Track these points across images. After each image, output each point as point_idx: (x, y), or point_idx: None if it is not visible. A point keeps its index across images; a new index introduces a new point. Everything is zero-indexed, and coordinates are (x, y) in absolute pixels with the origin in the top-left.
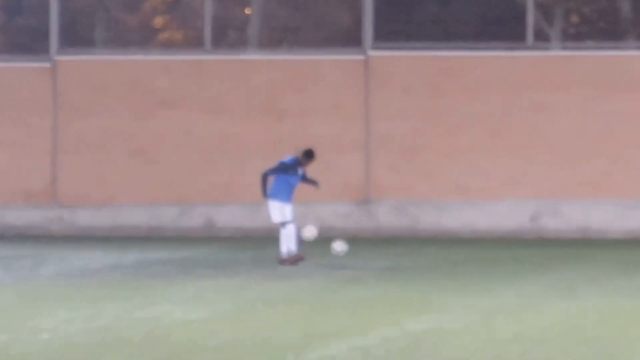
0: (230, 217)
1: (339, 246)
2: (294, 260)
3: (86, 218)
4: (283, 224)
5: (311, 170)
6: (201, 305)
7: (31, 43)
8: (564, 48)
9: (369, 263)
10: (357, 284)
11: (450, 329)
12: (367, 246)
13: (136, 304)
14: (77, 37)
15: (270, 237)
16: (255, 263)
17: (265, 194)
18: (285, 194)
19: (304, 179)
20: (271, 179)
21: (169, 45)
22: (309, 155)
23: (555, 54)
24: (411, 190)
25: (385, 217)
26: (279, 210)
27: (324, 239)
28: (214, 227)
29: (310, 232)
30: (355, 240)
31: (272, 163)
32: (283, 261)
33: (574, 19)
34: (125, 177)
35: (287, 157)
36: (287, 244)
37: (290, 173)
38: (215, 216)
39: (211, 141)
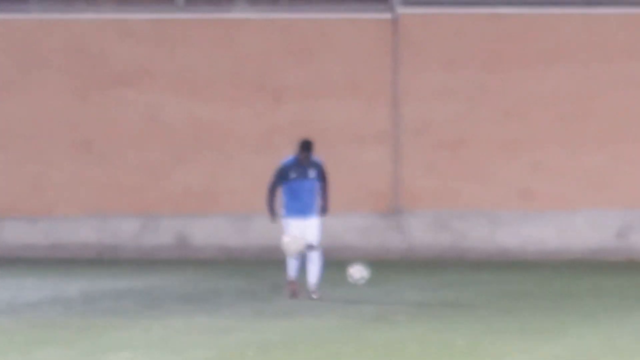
0: (209, 232)
1: (357, 272)
2: (290, 290)
3: (15, 234)
4: (310, 246)
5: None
6: (171, 353)
7: None
8: None
9: (398, 295)
10: (383, 324)
11: None
12: (396, 272)
13: (83, 350)
14: None
15: (263, 259)
16: (243, 295)
17: (271, 213)
18: (300, 205)
19: (321, 180)
20: (279, 192)
21: (127, 1)
22: (302, 147)
23: None
24: (454, 197)
25: (420, 232)
26: (300, 230)
27: (338, 263)
28: (187, 245)
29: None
30: (380, 263)
31: (266, 161)
32: (312, 294)
33: None
34: (67, 179)
35: (287, 158)
36: (316, 271)
37: (296, 177)
38: (189, 231)
39: (184, 130)
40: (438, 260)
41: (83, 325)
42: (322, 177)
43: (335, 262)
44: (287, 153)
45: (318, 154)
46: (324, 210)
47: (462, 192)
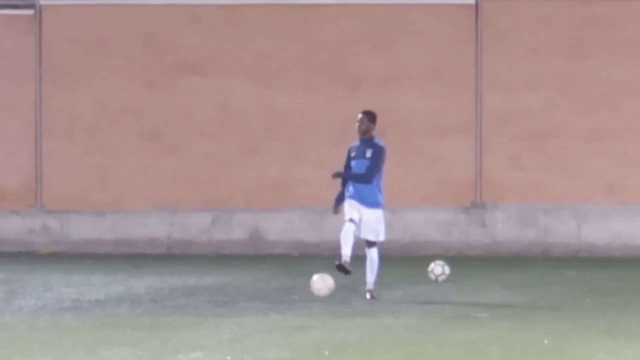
0: (283, 227)
1: (438, 268)
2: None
3: (81, 228)
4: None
5: (399, 161)
6: (243, 353)
7: None
8: None
9: (480, 292)
10: (464, 323)
11: None
12: (479, 268)
13: (152, 350)
14: None
15: (339, 255)
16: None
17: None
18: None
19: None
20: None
21: None
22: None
23: None
24: (540, 191)
25: (504, 227)
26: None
27: (418, 259)
28: (261, 240)
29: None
30: (462, 260)
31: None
32: (366, 293)
33: None
34: (134, 170)
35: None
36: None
37: (354, 157)
38: (262, 226)
39: (257, 120)
40: (522, 256)
41: (152, 324)
42: (375, 157)
43: (415, 258)
44: None
45: (397, 145)
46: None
47: (547, 185)
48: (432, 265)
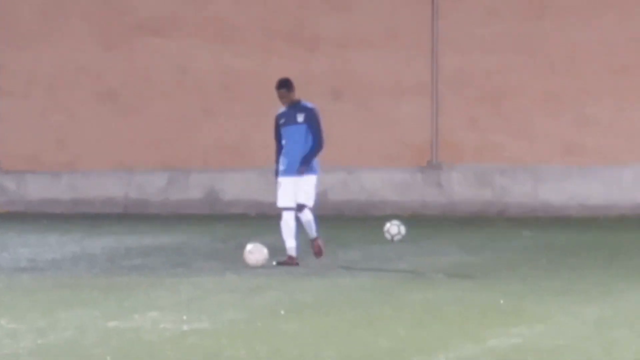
0: (240, 187)
1: (394, 229)
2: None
3: (38, 188)
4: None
5: (356, 121)
6: (200, 313)
7: None
8: None
9: (436, 253)
10: (421, 284)
11: (550, 346)
12: (436, 229)
13: (108, 310)
14: None
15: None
16: (275, 252)
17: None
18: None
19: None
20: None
21: None
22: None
23: None
24: (496, 152)
25: (460, 188)
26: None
27: (374, 219)
28: (217, 201)
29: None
30: (418, 220)
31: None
32: (287, 261)
33: None
34: (91, 131)
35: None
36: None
37: (284, 123)
38: (219, 186)
39: (214, 81)
40: (478, 216)
41: (108, 284)
42: (310, 121)
43: (372, 218)
44: (322, 104)
45: (354, 106)
46: (301, 162)
47: (504, 146)
48: (388, 225)
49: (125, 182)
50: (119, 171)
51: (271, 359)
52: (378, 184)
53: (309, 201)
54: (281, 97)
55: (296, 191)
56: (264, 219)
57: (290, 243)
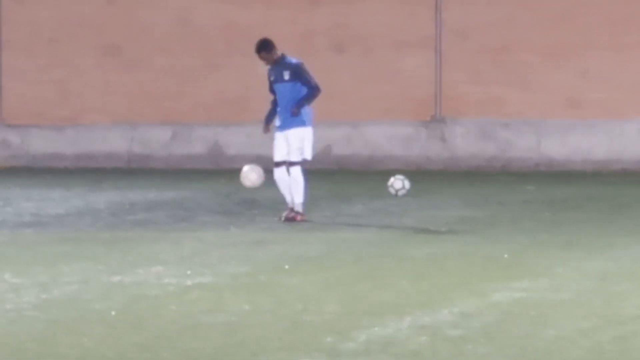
0: (243, 141)
1: (397, 183)
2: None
3: (41, 142)
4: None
5: (359, 75)
6: (203, 267)
7: None
8: None
9: (440, 208)
10: (424, 238)
11: (553, 300)
12: (438, 183)
13: (112, 265)
14: None
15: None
16: (279, 206)
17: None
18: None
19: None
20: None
21: None
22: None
23: None
24: (499, 105)
25: (463, 142)
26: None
27: (377, 173)
28: (221, 155)
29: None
30: (421, 174)
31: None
32: (294, 217)
33: None
34: (94, 85)
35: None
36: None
37: (273, 81)
38: (222, 140)
39: (217, 35)
40: (482, 170)
41: (112, 239)
42: (296, 77)
43: (375, 172)
44: (325, 58)
45: (357, 59)
46: (295, 104)
47: (507, 99)
48: (391, 180)
49: (128, 137)
50: (122, 125)
51: (274, 312)
52: (381, 138)
53: (298, 157)
54: (263, 60)
55: (288, 147)
56: (267, 173)
57: (289, 198)
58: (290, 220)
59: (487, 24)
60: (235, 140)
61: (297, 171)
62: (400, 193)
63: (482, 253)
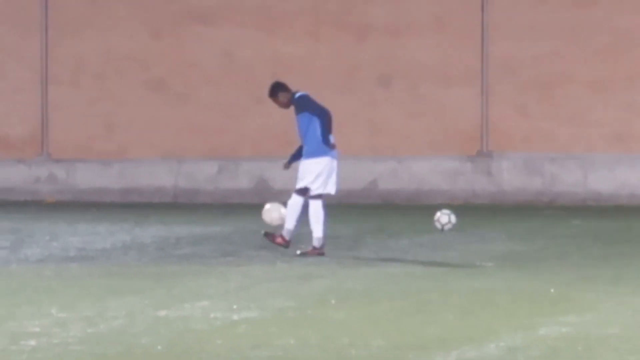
0: (289, 175)
1: (444, 218)
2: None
3: (87, 177)
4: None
5: (405, 109)
6: (249, 301)
7: None
8: None
9: (486, 242)
10: (470, 273)
11: (599, 335)
12: (484, 218)
13: (158, 299)
14: None
15: (346, 203)
16: (327, 240)
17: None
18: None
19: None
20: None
21: None
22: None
23: None
24: (546, 139)
25: (510, 176)
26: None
27: (423, 208)
28: (267, 189)
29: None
30: (467, 209)
31: (348, 100)
32: (313, 251)
33: None
34: (140, 119)
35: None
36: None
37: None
38: (268, 175)
39: (262, 69)
40: (528, 205)
41: (158, 273)
42: (301, 109)
43: (421, 207)
44: (370, 92)
45: (403, 94)
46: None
47: (553, 134)
48: (438, 214)
49: (174, 171)
50: (168, 160)
51: (321, 347)
52: (427, 172)
53: (298, 184)
54: (277, 104)
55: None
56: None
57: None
58: (304, 254)
59: (533, 58)
60: (281, 174)
61: (313, 204)
62: (446, 228)
63: (528, 287)
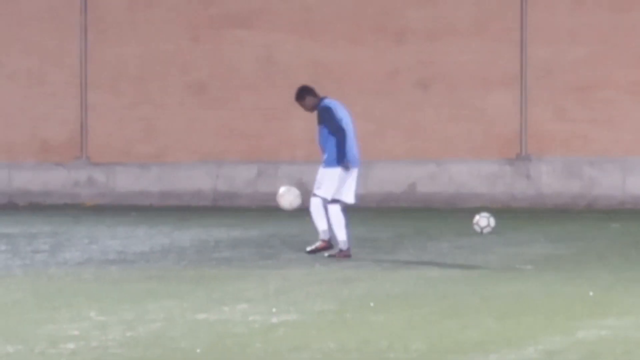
0: None
1: (483, 221)
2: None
3: (126, 180)
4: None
5: (444, 113)
6: (288, 305)
7: None
8: None
9: (525, 245)
10: (509, 276)
11: (639, 338)
12: (523, 221)
13: (197, 302)
14: None
15: (384, 207)
16: (364, 244)
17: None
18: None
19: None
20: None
21: None
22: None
23: None
24: (585, 143)
25: (549, 179)
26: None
27: (462, 211)
28: (306, 193)
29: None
30: (506, 212)
31: (387, 104)
32: (340, 253)
33: None
34: (179, 123)
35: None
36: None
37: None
38: (307, 178)
39: (301, 72)
40: (567, 208)
41: (197, 276)
42: (323, 121)
43: (460, 210)
44: (409, 96)
45: (442, 98)
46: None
47: (592, 137)
48: (477, 218)
49: (213, 174)
50: (207, 163)
51: (360, 350)
52: (466, 176)
53: (317, 190)
54: (302, 107)
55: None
56: (352, 211)
57: (341, 236)
58: (314, 252)
59: (572, 62)
60: None
61: (332, 209)
62: (485, 231)
63: (567, 291)
